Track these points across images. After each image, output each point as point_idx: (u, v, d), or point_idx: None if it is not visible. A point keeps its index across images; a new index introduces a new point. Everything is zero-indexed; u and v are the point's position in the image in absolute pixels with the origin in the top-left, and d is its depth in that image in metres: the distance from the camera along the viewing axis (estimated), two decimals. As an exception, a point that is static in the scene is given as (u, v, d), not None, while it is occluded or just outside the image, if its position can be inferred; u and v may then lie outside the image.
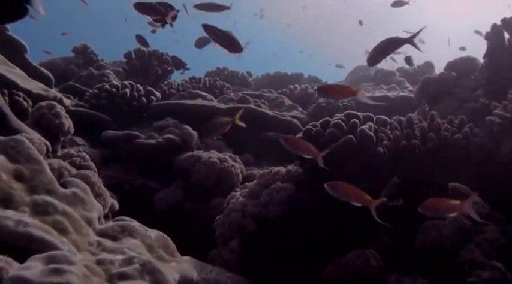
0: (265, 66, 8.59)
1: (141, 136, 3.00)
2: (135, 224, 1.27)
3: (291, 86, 5.08)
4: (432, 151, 1.74)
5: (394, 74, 5.31)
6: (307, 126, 2.04)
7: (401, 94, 4.30)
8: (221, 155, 2.87)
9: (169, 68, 4.80)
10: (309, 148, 1.63)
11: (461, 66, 2.96)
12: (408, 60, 4.28)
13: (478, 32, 5.99)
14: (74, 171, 1.58)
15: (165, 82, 4.29)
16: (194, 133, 3.12)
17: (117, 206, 2.32)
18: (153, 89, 3.65)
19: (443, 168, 1.76)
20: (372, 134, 1.83)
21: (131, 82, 3.65)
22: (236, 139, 3.52)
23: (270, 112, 3.55)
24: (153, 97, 3.58)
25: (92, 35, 24.86)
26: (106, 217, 2.37)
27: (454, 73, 2.97)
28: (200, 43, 3.57)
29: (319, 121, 1.99)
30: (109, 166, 2.96)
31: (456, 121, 1.82)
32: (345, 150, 1.81)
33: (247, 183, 2.45)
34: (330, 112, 4.16)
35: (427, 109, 2.97)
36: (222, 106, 3.51)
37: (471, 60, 3.02)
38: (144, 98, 3.53)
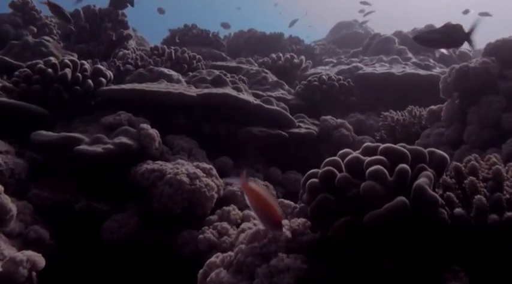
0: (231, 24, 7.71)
1: (83, 141, 2.28)
2: None
3: (274, 55, 4.34)
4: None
5: (393, 41, 4.61)
6: (326, 162, 1.37)
7: (409, 70, 3.64)
8: (191, 168, 2.19)
9: (125, 33, 3.97)
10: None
11: (506, 51, 2.31)
12: None
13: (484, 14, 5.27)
14: None
15: (120, 53, 3.49)
16: (155, 133, 2.41)
17: (42, 263, 1.69)
18: (102, 68, 2.87)
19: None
20: (437, 196, 1.17)
21: (73, 58, 2.86)
22: (211, 136, 2.83)
23: (252, 100, 2.84)
24: (103, 79, 2.82)
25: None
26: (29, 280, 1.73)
27: (493, 59, 2.32)
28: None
29: (345, 159, 1.32)
30: (41, 182, 2.24)
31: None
32: (393, 222, 1.16)
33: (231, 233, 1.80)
34: (325, 94, 3.50)
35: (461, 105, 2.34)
36: (193, 92, 2.78)
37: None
38: (90, 81, 2.76)
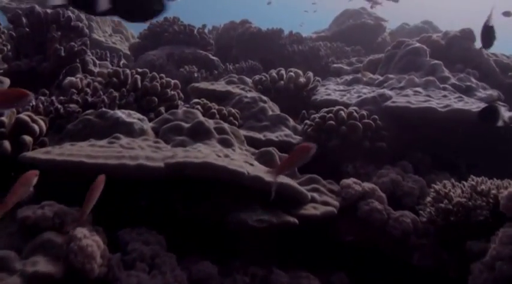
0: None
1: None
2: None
3: (273, 73, 3.44)
4: None
5: (424, 53, 3.71)
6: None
7: (456, 106, 2.78)
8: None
9: (77, 47, 3.04)
10: None
11: None
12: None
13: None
14: None
15: (66, 82, 2.58)
16: (95, 244, 1.56)
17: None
18: (28, 120, 1.98)
19: None
20: None
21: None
22: (188, 221, 2.00)
23: (247, 170, 1.96)
24: (27, 139, 1.93)
25: None
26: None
27: None
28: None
29: None
30: None
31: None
32: None
33: None
34: (344, 139, 2.64)
35: None
36: (159, 159, 1.90)
37: None
38: (6, 143, 1.88)
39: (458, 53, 4.00)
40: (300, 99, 3.41)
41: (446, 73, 3.48)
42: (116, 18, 8.54)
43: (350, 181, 2.33)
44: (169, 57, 4.81)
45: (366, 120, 2.70)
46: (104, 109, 2.27)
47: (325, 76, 4.90)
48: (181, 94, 2.84)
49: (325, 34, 7.14)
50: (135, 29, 7.89)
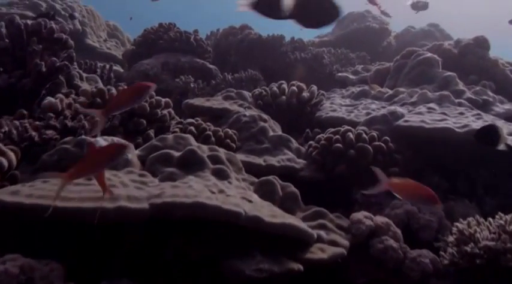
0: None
1: None
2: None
3: (275, 88, 3.19)
4: None
5: (436, 64, 3.46)
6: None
7: (474, 125, 2.53)
8: None
9: (63, 58, 2.81)
10: None
11: None
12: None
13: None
14: None
15: (45, 102, 2.34)
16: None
17: None
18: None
19: None
20: None
21: None
22: (177, 264, 1.76)
23: (243, 210, 1.72)
24: (-7, 175, 1.69)
25: None
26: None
27: None
28: None
29: None
30: None
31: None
32: None
33: None
34: (352, 164, 2.40)
35: None
36: (144, 198, 1.66)
37: None
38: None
39: (472, 63, 3.75)
40: (304, 115, 3.17)
41: (461, 86, 3.23)
42: (112, 22, 8.29)
43: (360, 215, 2.08)
44: (164, 66, 4.57)
45: (377, 143, 2.46)
46: (83, 136, 2.02)
47: (330, 85, 4.66)
48: (173, 114, 2.60)
49: (328, 39, 6.90)
50: (132, 33, 7.65)
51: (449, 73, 3.30)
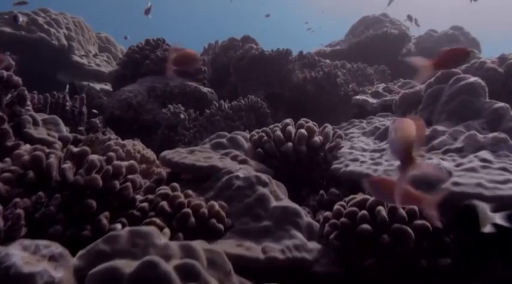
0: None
1: None
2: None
3: (278, 132, 2.51)
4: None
5: (482, 91, 2.73)
6: None
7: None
8: None
9: (7, 102, 2.18)
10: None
11: None
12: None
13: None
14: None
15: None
16: None
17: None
18: None
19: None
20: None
21: None
22: None
23: None
24: None
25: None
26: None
27: None
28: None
29: None
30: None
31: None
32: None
33: None
34: (384, 252, 1.73)
35: None
36: None
37: None
38: None
39: (523, 85, 3.05)
40: (316, 165, 2.49)
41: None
42: (104, 34, 7.68)
43: None
44: (151, 93, 3.92)
45: (420, 222, 1.77)
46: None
47: (345, 110, 3.98)
48: (140, 182, 1.94)
49: (340, 47, 6.21)
50: (126, 44, 7.04)
51: (500, 104, 2.59)
